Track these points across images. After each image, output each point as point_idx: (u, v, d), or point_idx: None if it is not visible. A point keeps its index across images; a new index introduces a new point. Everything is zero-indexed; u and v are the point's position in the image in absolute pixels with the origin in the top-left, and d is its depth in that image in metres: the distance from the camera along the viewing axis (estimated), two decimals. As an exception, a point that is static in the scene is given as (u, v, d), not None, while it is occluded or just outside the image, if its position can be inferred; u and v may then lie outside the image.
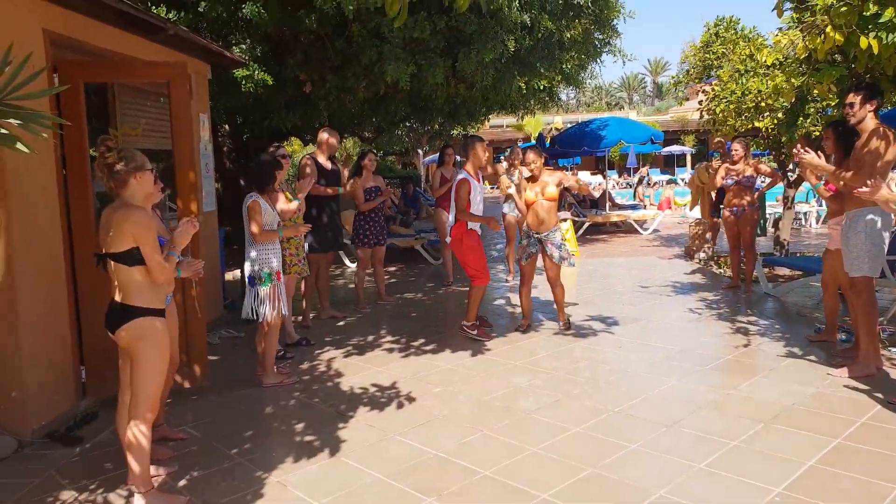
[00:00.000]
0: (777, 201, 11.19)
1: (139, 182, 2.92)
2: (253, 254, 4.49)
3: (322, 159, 6.17)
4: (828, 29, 4.01)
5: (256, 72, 6.98)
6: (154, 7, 6.47)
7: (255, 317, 4.45)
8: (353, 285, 7.92)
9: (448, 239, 5.76)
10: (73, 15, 4.11)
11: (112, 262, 2.86)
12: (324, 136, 6.24)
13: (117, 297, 2.89)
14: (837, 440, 3.38)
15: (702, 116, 8.83)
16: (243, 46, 7.24)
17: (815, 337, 5.20)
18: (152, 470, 3.07)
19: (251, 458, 3.43)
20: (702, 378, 4.47)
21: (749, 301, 6.81)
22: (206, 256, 4.14)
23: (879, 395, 3.95)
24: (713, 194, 9.16)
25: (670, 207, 16.56)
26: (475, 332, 5.58)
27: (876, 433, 3.47)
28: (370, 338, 5.72)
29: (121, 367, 3.01)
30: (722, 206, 7.60)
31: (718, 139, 10.26)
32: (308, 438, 3.67)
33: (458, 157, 7.57)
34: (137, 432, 2.84)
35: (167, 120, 4.53)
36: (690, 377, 4.48)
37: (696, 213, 10.89)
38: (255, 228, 4.44)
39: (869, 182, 3.50)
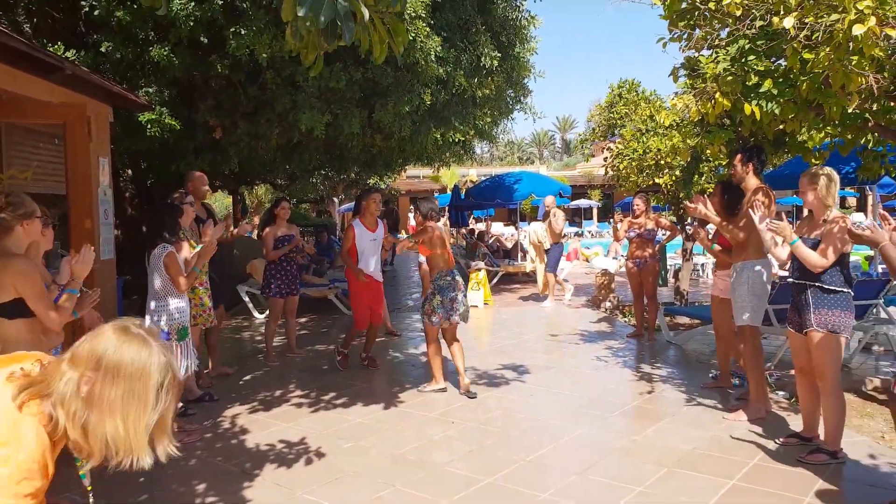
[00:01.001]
0: (677, 253, 11.88)
1: (26, 230, 2.73)
2: (172, 307, 4.34)
3: (195, 207, 5.44)
4: (717, 95, 4.37)
5: (164, 116, 6.76)
6: (51, 45, 6.17)
7: None
8: (259, 337, 7.64)
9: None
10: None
11: None
12: (193, 181, 5.69)
13: None
14: (732, 481, 3.54)
15: (607, 172, 9.37)
16: (150, 90, 7.01)
17: (711, 384, 5.44)
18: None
19: (142, 527, 3.17)
20: (610, 425, 4.58)
21: (652, 349, 7.10)
22: (104, 307, 3.85)
23: (768, 437, 4.18)
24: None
25: (578, 258, 17.18)
26: (339, 358, 6.16)
27: (766, 473, 3.66)
28: (278, 392, 5.50)
29: None
30: (624, 257, 7.97)
31: (550, 198, 10.86)
32: (210, 500, 3.43)
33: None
34: None
35: (63, 163, 4.28)
36: (599, 424, 4.58)
37: (603, 263, 11.32)
38: (183, 282, 4.32)
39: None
